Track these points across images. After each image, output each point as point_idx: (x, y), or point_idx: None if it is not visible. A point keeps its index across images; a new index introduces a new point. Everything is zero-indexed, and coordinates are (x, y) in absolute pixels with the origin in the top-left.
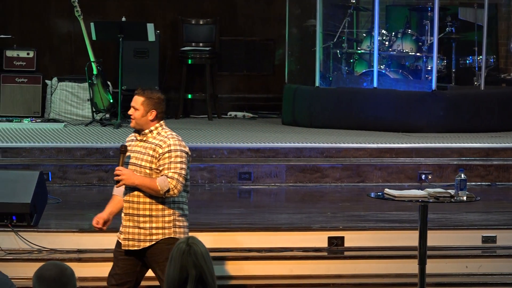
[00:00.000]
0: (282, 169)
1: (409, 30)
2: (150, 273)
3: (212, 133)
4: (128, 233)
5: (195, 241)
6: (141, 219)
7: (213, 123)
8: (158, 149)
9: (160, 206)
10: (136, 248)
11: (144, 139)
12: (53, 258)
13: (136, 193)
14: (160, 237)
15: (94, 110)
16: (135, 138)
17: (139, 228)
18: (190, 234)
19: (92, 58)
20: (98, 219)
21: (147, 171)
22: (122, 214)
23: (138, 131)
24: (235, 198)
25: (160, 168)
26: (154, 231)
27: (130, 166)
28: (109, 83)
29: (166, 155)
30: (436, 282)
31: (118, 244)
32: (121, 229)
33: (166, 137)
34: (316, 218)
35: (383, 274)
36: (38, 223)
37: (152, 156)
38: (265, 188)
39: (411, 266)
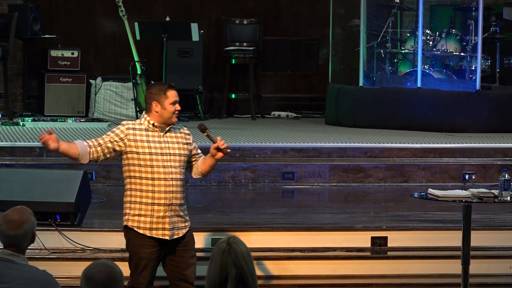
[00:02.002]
0: (325, 169)
1: (453, 30)
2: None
3: (255, 133)
4: (172, 223)
5: (236, 240)
6: (180, 207)
7: (256, 123)
8: (187, 137)
9: (184, 194)
10: (179, 236)
11: (167, 129)
12: (97, 258)
13: (178, 183)
14: (189, 223)
15: (138, 109)
16: (144, 128)
17: (178, 216)
18: (234, 233)
19: (136, 58)
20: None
21: (184, 158)
22: (160, 207)
23: (165, 124)
24: (278, 198)
25: (194, 155)
26: (186, 217)
27: (169, 157)
28: (153, 82)
29: (194, 144)
30: (479, 283)
31: (149, 243)
32: (156, 224)
33: (180, 126)
34: (359, 218)
35: (426, 275)
36: (82, 222)
37: (186, 143)
38: (308, 188)
39: (454, 267)
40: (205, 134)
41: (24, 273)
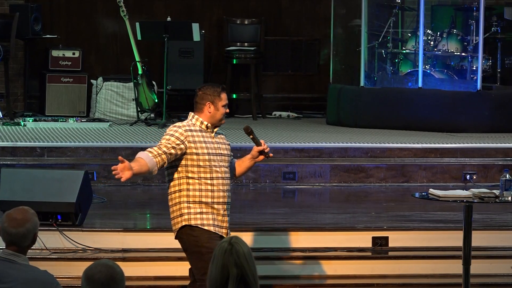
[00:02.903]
0: (327, 169)
1: (455, 30)
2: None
3: (256, 133)
4: (228, 222)
5: (237, 240)
6: (229, 206)
7: (257, 123)
8: (226, 139)
9: None
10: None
11: (215, 131)
12: (98, 258)
13: (230, 182)
14: None
15: (139, 109)
16: (198, 129)
17: (228, 216)
18: (235, 234)
19: (137, 58)
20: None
21: (229, 159)
22: (219, 206)
23: (213, 125)
24: (279, 198)
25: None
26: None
27: (222, 157)
28: (154, 82)
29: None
30: (480, 283)
31: (216, 237)
32: (218, 222)
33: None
34: (360, 218)
35: (428, 275)
36: (83, 222)
37: (227, 145)
38: (309, 188)
39: (455, 267)
40: (250, 136)
41: (25, 273)
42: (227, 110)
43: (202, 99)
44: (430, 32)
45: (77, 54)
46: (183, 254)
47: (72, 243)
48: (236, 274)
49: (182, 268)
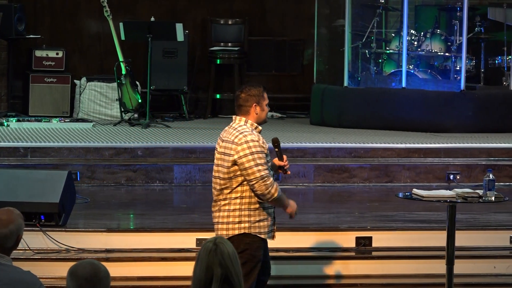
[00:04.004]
0: (310, 169)
1: (438, 30)
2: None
3: None
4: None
5: (222, 240)
6: None
7: None
8: None
9: None
10: None
11: None
12: (81, 258)
13: None
14: None
15: (122, 110)
16: (257, 134)
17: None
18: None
19: (121, 58)
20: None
21: None
22: (271, 210)
23: (259, 125)
24: None
25: None
26: None
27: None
28: (137, 83)
29: None
30: (464, 283)
31: (261, 246)
32: (272, 227)
33: None
34: (344, 218)
35: (411, 275)
36: (67, 222)
37: None
38: (293, 188)
39: (439, 267)
40: (276, 149)
41: (8, 274)
42: (269, 109)
43: (247, 101)
44: (413, 32)
45: (60, 54)
46: (166, 255)
47: (55, 244)
48: (221, 274)
49: (165, 269)
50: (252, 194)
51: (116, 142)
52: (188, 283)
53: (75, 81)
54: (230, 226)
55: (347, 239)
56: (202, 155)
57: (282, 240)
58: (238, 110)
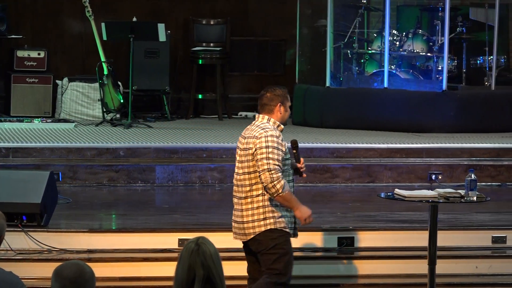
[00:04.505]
0: None
1: (420, 30)
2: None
3: (222, 133)
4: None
5: (204, 241)
6: None
7: (223, 123)
8: None
9: None
10: None
11: None
12: (63, 258)
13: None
14: None
15: (104, 110)
16: (279, 133)
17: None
18: (200, 234)
19: (102, 58)
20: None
21: None
22: (282, 208)
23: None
24: None
25: None
26: None
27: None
28: (119, 83)
29: None
30: (446, 283)
31: (290, 238)
32: (294, 224)
33: None
34: (326, 218)
35: (393, 275)
36: (48, 223)
37: None
38: None
39: (421, 267)
40: (294, 151)
41: None
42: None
43: (271, 101)
44: (395, 32)
45: (42, 54)
46: (148, 255)
47: (37, 244)
48: (203, 274)
49: (147, 269)
50: None
51: (98, 142)
52: (171, 283)
53: (57, 81)
54: (256, 224)
55: (329, 239)
56: (184, 155)
57: None
58: (262, 109)
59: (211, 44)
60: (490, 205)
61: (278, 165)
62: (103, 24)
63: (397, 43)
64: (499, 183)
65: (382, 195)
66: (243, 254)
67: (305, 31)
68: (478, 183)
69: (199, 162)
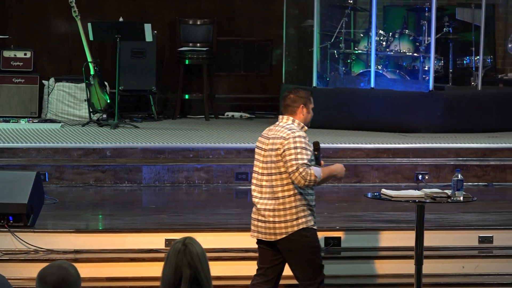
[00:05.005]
0: None
1: (407, 31)
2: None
3: (209, 133)
4: None
5: (191, 241)
6: None
7: (210, 124)
8: None
9: None
10: None
11: None
12: (50, 259)
13: None
14: None
15: (91, 110)
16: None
17: None
18: (187, 234)
19: (89, 59)
20: None
21: None
22: (314, 208)
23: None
24: (232, 198)
25: None
26: None
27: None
28: (106, 83)
29: None
30: (432, 283)
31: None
32: (314, 221)
33: None
34: None
35: (380, 275)
36: (35, 223)
37: None
38: None
39: (407, 267)
40: (315, 152)
41: None
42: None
43: (295, 102)
44: (382, 32)
45: (28, 54)
46: (135, 255)
47: (24, 244)
48: (189, 274)
49: (134, 269)
50: (303, 191)
51: (84, 142)
52: (158, 283)
53: (43, 81)
54: (289, 224)
55: None
56: (171, 156)
57: (251, 241)
58: (285, 110)
59: (198, 44)
60: (476, 205)
61: (305, 161)
62: (89, 25)
63: (384, 43)
64: (486, 183)
65: (369, 195)
66: (230, 254)
67: (292, 31)
68: (464, 183)
69: (186, 162)
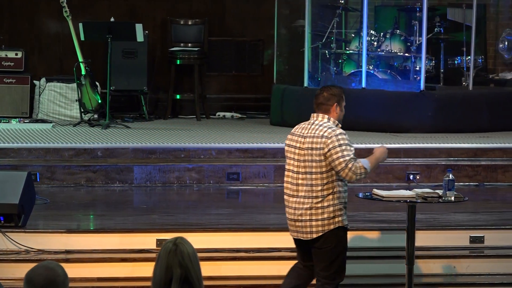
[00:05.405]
0: (271, 169)
1: (398, 31)
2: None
3: (200, 133)
4: None
5: (182, 241)
6: None
7: (201, 124)
8: None
9: None
10: None
11: None
12: (41, 259)
13: None
14: None
15: (82, 110)
16: None
17: None
18: (178, 234)
19: (80, 59)
20: None
21: None
22: (345, 205)
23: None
24: (223, 198)
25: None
26: None
27: None
28: (97, 83)
29: None
30: (424, 283)
31: None
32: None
33: None
34: None
35: (371, 275)
36: (26, 223)
37: None
38: (253, 189)
39: (399, 267)
40: None
41: None
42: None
43: (328, 100)
44: (373, 32)
45: (19, 54)
46: (126, 255)
47: (15, 245)
48: (180, 274)
49: (125, 269)
50: (341, 189)
51: (75, 142)
52: (149, 283)
53: (34, 81)
54: (326, 222)
55: None
56: (162, 156)
57: (242, 241)
58: (318, 108)
59: (189, 45)
60: (467, 205)
61: (353, 157)
62: (80, 25)
63: (375, 43)
64: (477, 183)
65: (360, 195)
66: (222, 254)
67: (283, 31)
68: (456, 183)
69: (177, 162)
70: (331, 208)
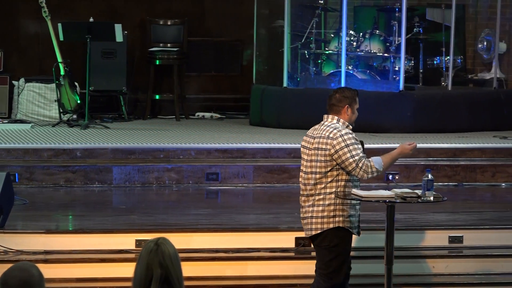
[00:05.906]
0: (250, 169)
1: (377, 31)
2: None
3: (179, 133)
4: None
5: (164, 241)
6: None
7: (180, 124)
8: None
9: None
10: None
11: None
12: (20, 260)
13: None
14: None
15: (61, 111)
16: None
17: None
18: (158, 235)
19: (59, 59)
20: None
21: None
22: (357, 207)
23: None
24: (203, 198)
25: None
26: None
27: None
28: (76, 84)
29: None
30: (403, 283)
31: (351, 240)
32: (358, 223)
33: None
34: (283, 219)
35: (350, 274)
36: (5, 224)
37: None
38: (233, 189)
39: (378, 267)
40: None
41: None
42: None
43: (340, 102)
44: (352, 33)
45: None
46: (105, 256)
47: None
48: (160, 274)
49: (104, 270)
50: (347, 190)
51: (55, 143)
52: (128, 284)
53: (13, 82)
54: (325, 220)
55: (286, 240)
56: (141, 156)
57: (221, 241)
58: (330, 109)
59: (168, 45)
60: (446, 205)
61: (362, 156)
62: (59, 25)
63: (354, 43)
64: (456, 183)
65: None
66: (202, 254)
67: (262, 31)
68: (434, 183)
69: (156, 162)
70: (332, 207)
